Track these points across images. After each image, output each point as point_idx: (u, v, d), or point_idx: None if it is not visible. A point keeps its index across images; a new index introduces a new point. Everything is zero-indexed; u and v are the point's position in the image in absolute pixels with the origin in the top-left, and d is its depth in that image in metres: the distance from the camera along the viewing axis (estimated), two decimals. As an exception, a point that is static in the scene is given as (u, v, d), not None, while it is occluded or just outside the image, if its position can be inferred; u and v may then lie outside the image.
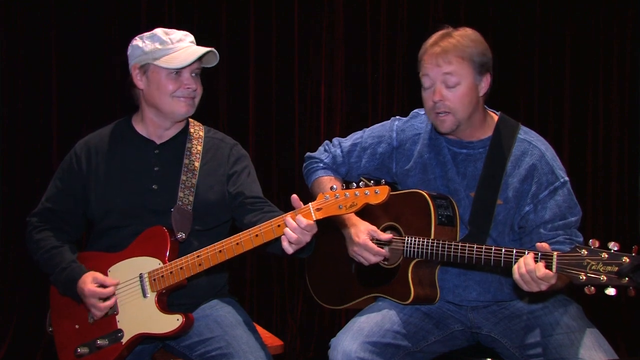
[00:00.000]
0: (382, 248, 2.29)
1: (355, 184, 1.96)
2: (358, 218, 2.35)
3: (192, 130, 2.44)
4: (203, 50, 2.31)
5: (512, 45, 4.44)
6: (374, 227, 2.30)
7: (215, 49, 2.33)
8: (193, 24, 3.90)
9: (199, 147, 2.40)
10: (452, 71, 2.18)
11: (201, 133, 2.45)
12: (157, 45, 2.29)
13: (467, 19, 4.30)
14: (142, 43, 2.31)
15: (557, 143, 4.42)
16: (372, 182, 1.95)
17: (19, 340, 3.66)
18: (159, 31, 2.32)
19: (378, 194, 1.92)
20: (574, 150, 4.48)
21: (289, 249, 2.04)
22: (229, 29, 3.98)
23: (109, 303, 2.24)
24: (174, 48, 2.29)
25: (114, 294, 2.25)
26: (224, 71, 3.96)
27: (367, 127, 2.55)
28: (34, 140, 3.70)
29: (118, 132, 2.44)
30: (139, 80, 2.34)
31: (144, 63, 2.31)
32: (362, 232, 2.29)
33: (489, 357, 2.30)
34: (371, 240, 2.27)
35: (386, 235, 2.28)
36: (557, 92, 4.49)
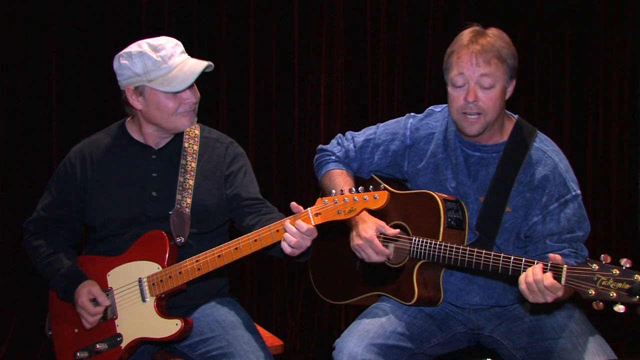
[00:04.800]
0: (387, 247, 2.27)
1: (354, 189, 1.95)
2: (368, 214, 2.26)
3: (187, 129, 2.40)
4: (200, 68, 2.22)
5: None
6: (382, 223, 2.26)
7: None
8: (193, 24, 3.90)
9: (195, 147, 2.37)
10: (489, 72, 2.12)
11: (197, 132, 2.41)
12: (150, 66, 2.19)
13: (467, 18, 4.28)
14: (130, 63, 2.21)
15: (557, 143, 4.41)
16: (371, 187, 1.94)
17: (19, 341, 3.66)
18: (146, 47, 2.21)
19: (377, 199, 1.91)
20: (574, 150, 4.48)
21: (289, 250, 2.03)
22: (229, 29, 3.97)
23: (97, 319, 2.25)
24: (169, 67, 2.20)
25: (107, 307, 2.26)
26: (224, 71, 3.95)
27: (367, 127, 2.54)
28: (34, 141, 3.70)
29: (113, 139, 2.39)
30: (135, 101, 2.27)
31: (139, 85, 2.23)
32: (370, 227, 2.23)
33: (490, 358, 2.30)
34: (378, 236, 2.22)
35: (393, 231, 2.23)
36: (557, 92, 4.49)
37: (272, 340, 2.49)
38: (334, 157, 2.49)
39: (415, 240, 2.22)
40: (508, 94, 2.20)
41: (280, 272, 4.13)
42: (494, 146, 2.25)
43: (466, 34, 2.19)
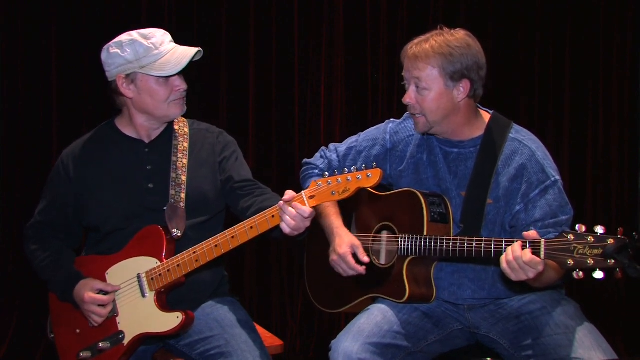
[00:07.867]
0: (376, 249, 2.34)
1: (347, 169, 1.96)
2: (346, 230, 2.39)
3: (176, 127, 2.42)
4: (192, 52, 2.29)
5: (512, 45, 4.44)
6: (357, 243, 2.33)
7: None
8: (193, 24, 3.90)
9: (185, 144, 2.40)
10: (420, 77, 2.22)
11: (186, 130, 2.44)
12: (142, 53, 2.24)
13: (467, 18, 4.30)
14: (122, 51, 2.25)
15: (557, 143, 4.43)
16: (363, 166, 1.95)
17: (19, 341, 3.66)
18: (136, 36, 2.26)
19: (370, 178, 1.92)
20: (574, 150, 4.48)
21: (288, 231, 2.05)
22: (229, 29, 3.98)
23: (108, 309, 2.25)
24: (161, 53, 2.25)
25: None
26: (224, 71, 3.96)
27: (367, 127, 2.56)
28: (34, 141, 3.70)
29: (104, 137, 2.41)
30: (126, 89, 2.29)
31: (130, 72, 2.27)
32: (345, 244, 2.32)
33: (489, 357, 2.30)
34: (352, 254, 2.30)
35: (365, 258, 2.30)
36: (557, 92, 4.49)
37: (272, 340, 2.49)
38: (317, 171, 2.56)
39: (401, 238, 2.26)
40: (460, 95, 2.23)
41: (280, 272, 4.13)
42: (471, 141, 2.29)
43: (414, 40, 2.28)
